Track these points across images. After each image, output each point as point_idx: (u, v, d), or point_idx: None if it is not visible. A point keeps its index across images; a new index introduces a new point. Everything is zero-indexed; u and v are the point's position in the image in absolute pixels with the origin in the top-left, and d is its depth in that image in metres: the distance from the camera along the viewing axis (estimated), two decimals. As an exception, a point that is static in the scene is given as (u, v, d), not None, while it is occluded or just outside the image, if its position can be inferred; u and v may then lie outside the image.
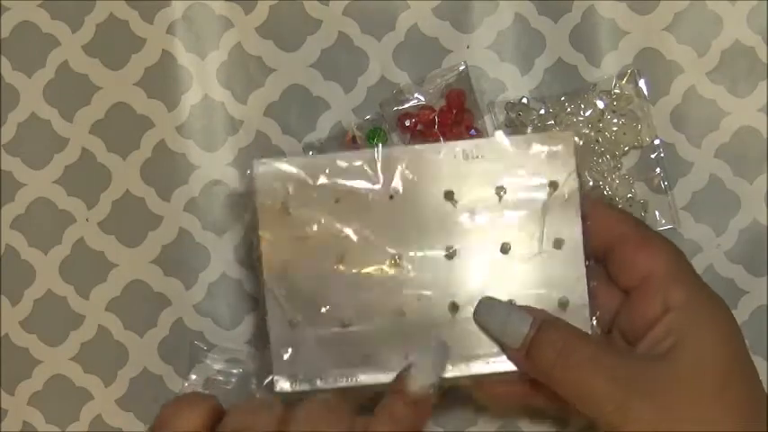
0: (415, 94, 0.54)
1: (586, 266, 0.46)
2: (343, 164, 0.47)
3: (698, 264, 0.52)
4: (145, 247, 0.56)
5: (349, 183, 0.46)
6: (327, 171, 0.46)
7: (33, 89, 0.56)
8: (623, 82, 0.54)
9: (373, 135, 0.53)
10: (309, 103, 0.55)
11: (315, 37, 0.56)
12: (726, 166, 0.54)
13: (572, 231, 0.46)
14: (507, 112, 0.54)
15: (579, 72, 0.55)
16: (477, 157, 0.46)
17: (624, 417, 0.42)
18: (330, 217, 0.46)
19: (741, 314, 0.54)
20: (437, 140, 0.51)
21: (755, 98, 0.54)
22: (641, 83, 0.54)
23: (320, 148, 0.54)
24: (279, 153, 0.54)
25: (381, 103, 0.55)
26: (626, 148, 0.54)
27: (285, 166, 0.47)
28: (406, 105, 0.54)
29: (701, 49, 0.54)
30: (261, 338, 0.46)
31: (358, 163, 0.47)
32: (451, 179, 0.47)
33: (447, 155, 0.47)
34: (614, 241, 0.46)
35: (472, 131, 0.54)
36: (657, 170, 0.54)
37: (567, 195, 0.46)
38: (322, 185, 0.47)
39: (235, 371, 0.55)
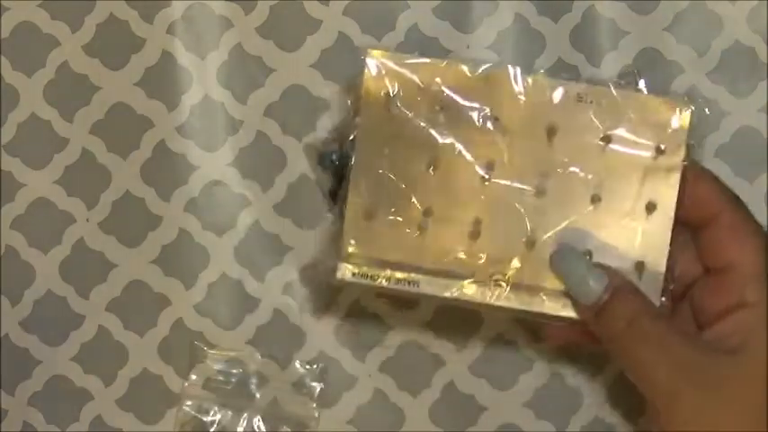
0: (416, 94, 0.54)
1: (672, 238, 0.45)
2: (457, 72, 0.45)
3: (698, 264, 0.52)
4: (145, 247, 0.56)
5: (456, 94, 0.45)
6: (439, 78, 0.45)
7: (33, 89, 0.56)
8: (623, 82, 0.54)
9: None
10: (309, 103, 0.55)
11: (315, 37, 0.55)
12: (726, 166, 0.54)
13: (667, 200, 0.45)
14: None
15: (579, 72, 0.55)
16: (591, 102, 0.45)
17: (675, 406, 0.42)
18: (429, 123, 0.45)
19: (741, 314, 0.54)
20: None
21: (755, 98, 0.54)
22: (641, 83, 0.54)
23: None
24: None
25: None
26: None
27: (398, 63, 0.46)
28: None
29: (701, 49, 0.54)
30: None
31: (471, 76, 0.46)
32: (559, 117, 0.45)
33: (561, 92, 0.45)
34: (709, 217, 0.45)
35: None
36: (657, 170, 0.54)
37: (671, 163, 0.45)
38: (429, 90, 0.45)
39: (235, 371, 0.55)
